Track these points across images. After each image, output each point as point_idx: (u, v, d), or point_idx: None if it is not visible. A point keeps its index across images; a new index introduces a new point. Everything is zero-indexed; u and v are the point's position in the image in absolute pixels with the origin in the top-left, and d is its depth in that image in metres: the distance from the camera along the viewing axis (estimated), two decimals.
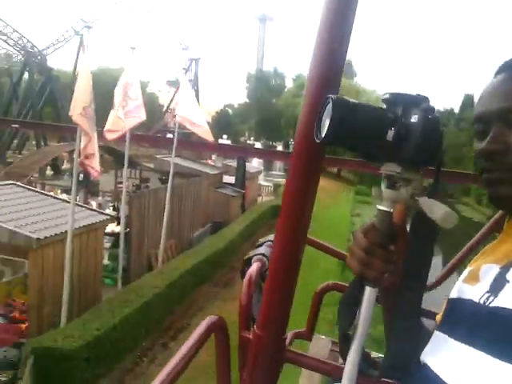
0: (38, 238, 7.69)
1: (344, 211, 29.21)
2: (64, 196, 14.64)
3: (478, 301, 0.77)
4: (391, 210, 0.79)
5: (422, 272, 0.84)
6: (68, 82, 42.24)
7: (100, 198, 20.69)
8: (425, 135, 0.74)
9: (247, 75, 70.35)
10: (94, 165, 8.47)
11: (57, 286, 8.23)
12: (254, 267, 1.17)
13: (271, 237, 1.22)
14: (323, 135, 0.75)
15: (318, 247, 1.64)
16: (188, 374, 0.89)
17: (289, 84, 65.61)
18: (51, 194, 12.90)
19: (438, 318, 0.90)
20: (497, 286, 0.75)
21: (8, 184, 10.35)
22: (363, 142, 0.77)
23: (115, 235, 12.96)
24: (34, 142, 36.97)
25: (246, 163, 24.73)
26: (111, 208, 17.66)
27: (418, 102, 0.76)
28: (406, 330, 0.84)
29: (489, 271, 0.80)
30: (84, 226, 9.20)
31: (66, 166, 29.15)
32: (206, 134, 12.00)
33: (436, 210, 0.71)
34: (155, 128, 47.21)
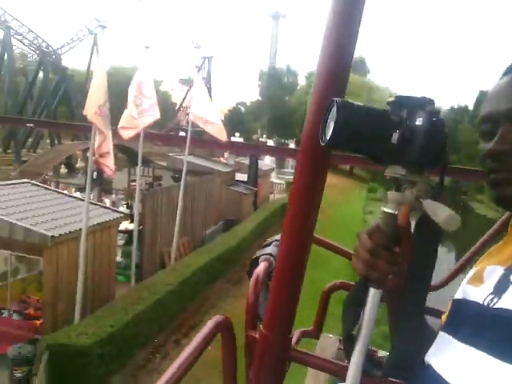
0: (52, 236, 7.79)
1: (356, 209, 29.12)
2: (78, 194, 14.76)
3: (482, 302, 0.77)
4: (396, 212, 0.79)
5: (425, 274, 0.84)
6: (82, 81, 42.65)
7: (113, 195, 20.83)
8: (429, 137, 0.74)
9: (260, 73, 70.17)
10: (109, 163, 8.53)
11: (71, 283, 8.32)
12: (261, 267, 1.18)
13: (278, 236, 1.23)
14: (328, 138, 0.75)
15: (325, 246, 1.64)
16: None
17: (301, 81, 65.35)
18: (65, 192, 13.02)
19: (444, 318, 0.90)
20: (501, 287, 0.75)
21: (23, 182, 10.47)
22: (368, 145, 0.77)
23: (128, 233, 13.06)
24: (48, 141, 37.28)
25: (259, 161, 24.72)
26: (124, 206, 17.76)
27: (422, 104, 0.76)
28: (410, 331, 0.85)
29: (493, 273, 0.80)
30: (98, 223, 9.28)
31: (79, 164, 29.35)
32: (220, 132, 11.97)
33: (439, 212, 0.71)
34: (168, 126, 47.33)
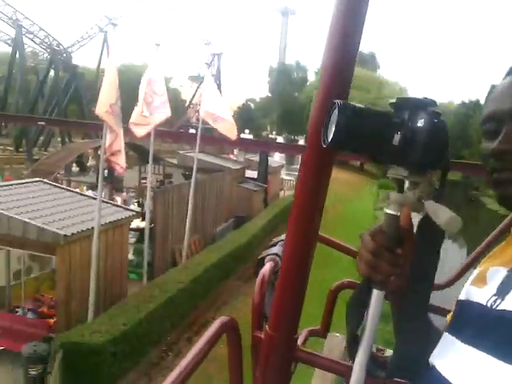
0: (65, 235, 7.83)
1: (367, 205, 28.97)
2: (89, 192, 14.85)
3: (485, 303, 0.77)
4: (398, 214, 0.80)
5: (428, 275, 0.84)
6: (92, 79, 42.88)
7: (124, 194, 20.92)
8: (431, 139, 0.74)
9: (269, 69, 70.04)
10: (120, 161, 8.52)
11: (84, 282, 8.37)
12: (267, 267, 1.18)
13: (284, 236, 1.23)
14: (329, 140, 0.75)
15: (331, 245, 1.63)
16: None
17: (311, 77, 65.12)
18: (77, 190, 13.11)
19: (448, 318, 0.90)
20: (504, 289, 0.75)
21: (35, 181, 10.54)
22: (369, 147, 0.77)
23: (140, 230, 13.09)
24: (59, 139, 37.49)
25: (268, 157, 24.66)
26: (136, 204, 17.84)
27: (424, 105, 0.76)
28: (412, 332, 0.85)
29: (496, 274, 0.79)
30: (110, 222, 9.31)
31: (91, 162, 29.48)
32: (230, 129, 11.85)
33: (441, 214, 0.71)
34: (178, 123, 47.47)
